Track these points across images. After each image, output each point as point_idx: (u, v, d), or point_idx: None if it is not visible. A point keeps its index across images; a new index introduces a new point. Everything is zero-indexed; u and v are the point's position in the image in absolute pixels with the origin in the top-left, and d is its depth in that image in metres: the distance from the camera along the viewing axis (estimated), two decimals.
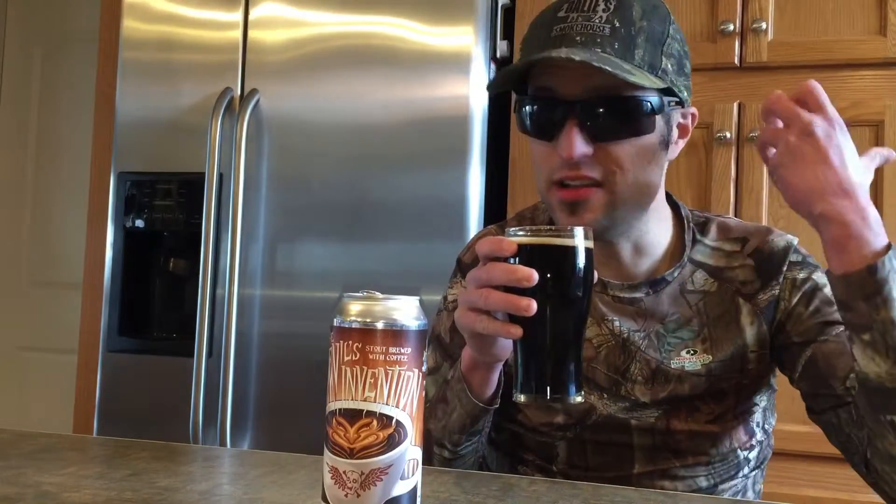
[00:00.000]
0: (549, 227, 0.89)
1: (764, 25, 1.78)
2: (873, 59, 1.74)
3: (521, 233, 0.80)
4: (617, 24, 0.92)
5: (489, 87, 1.00)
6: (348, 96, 1.91)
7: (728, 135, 1.78)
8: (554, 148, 0.95)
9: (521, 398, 0.81)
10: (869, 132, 1.71)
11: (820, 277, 1.03)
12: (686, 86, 0.98)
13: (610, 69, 0.87)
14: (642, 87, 0.91)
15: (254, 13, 1.99)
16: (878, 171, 1.74)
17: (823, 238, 0.84)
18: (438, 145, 1.83)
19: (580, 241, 0.79)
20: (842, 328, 0.97)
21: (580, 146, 0.92)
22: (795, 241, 1.07)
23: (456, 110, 1.83)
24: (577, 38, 0.92)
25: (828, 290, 1.00)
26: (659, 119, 0.96)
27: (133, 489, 0.77)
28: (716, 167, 1.80)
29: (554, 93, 0.94)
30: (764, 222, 1.75)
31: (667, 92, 0.95)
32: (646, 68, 0.92)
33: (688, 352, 1.02)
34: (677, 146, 1.02)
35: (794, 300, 1.02)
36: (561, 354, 0.80)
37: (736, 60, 1.80)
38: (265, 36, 1.97)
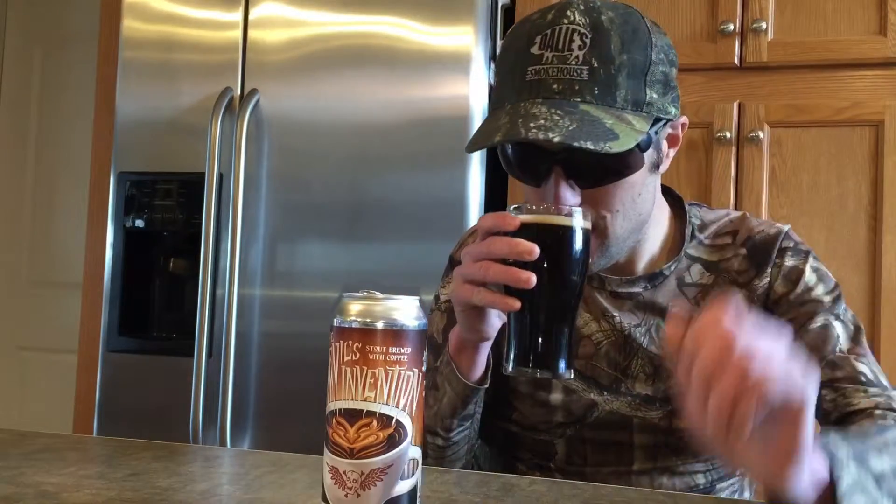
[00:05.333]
0: (547, 205, 0.88)
1: (764, 25, 1.77)
2: (873, 59, 1.74)
3: (521, 210, 0.82)
4: (595, 65, 0.86)
5: (470, 148, 0.90)
6: (348, 96, 1.91)
7: (728, 135, 1.78)
8: (542, 192, 0.92)
9: (511, 370, 0.82)
10: (869, 132, 1.70)
11: (809, 267, 1.02)
12: (674, 99, 0.93)
13: (592, 146, 0.82)
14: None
15: (254, 13, 1.99)
16: (878, 171, 1.75)
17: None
18: (438, 145, 1.83)
19: (578, 221, 0.82)
20: (819, 319, 0.98)
21: (568, 197, 0.90)
22: (786, 228, 1.06)
23: (456, 110, 1.83)
24: (554, 87, 0.86)
25: (814, 279, 1.01)
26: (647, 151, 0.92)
27: (133, 489, 0.77)
28: (716, 167, 1.80)
29: (536, 144, 0.90)
30: None
31: (654, 121, 0.90)
32: (629, 108, 0.87)
33: None
34: (669, 158, 1.00)
35: (781, 289, 1.02)
36: (555, 330, 0.82)
37: (736, 60, 1.79)
38: (265, 36, 1.97)
